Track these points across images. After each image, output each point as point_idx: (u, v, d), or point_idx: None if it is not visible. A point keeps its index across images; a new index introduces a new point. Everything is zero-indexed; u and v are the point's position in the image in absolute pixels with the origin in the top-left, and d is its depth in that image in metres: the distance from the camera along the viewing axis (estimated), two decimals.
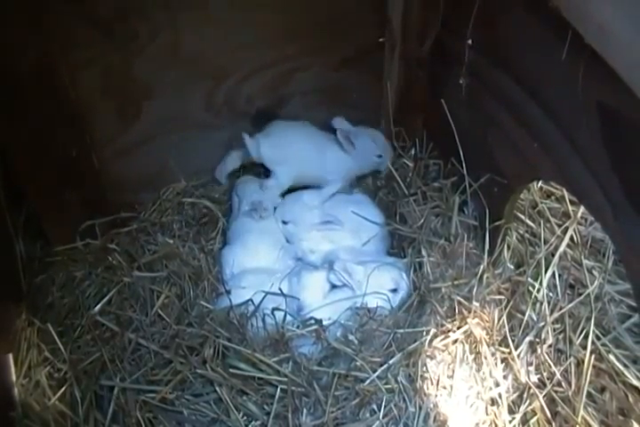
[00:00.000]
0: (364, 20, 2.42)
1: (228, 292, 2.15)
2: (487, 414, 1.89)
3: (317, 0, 2.31)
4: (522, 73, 1.89)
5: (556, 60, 1.59)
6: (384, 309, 2.12)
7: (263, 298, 2.09)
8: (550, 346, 1.96)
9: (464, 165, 2.25)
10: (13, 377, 1.95)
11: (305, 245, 2.41)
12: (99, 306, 2.18)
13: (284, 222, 2.45)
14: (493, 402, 1.91)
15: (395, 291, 2.18)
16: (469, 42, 2.09)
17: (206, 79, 2.36)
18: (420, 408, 1.88)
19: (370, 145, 2.55)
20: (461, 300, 2.05)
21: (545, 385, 1.90)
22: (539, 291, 2.04)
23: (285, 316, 2.07)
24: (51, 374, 2.01)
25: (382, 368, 1.93)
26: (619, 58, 1.27)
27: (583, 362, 1.90)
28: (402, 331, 2.02)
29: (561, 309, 2.01)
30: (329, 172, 2.53)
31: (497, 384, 1.93)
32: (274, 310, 2.06)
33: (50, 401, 1.93)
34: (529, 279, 2.06)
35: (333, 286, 2.22)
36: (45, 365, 2.03)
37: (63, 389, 1.96)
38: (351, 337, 2.00)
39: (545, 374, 1.93)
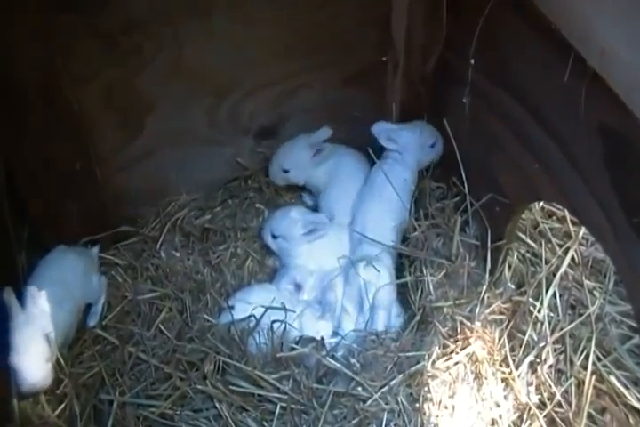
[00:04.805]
0: (366, 37, 2.43)
1: (231, 307, 2.15)
2: None
3: (320, 17, 2.31)
4: (524, 93, 1.90)
5: (558, 81, 1.60)
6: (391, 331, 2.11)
7: (264, 313, 2.08)
8: (551, 366, 1.96)
9: (466, 185, 2.26)
10: (13, 390, 1.94)
11: (300, 263, 2.39)
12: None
13: (274, 237, 2.44)
14: (494, 422, 1.91)
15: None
16: (472, 61, 2.10)
17: (209, 95, 2.37)
18: None
19: (420, 137, 2.46)
20: (463, 320, 2.05)
21: (545, 406, 1.90)
22: (539, 311, 2.04)
23: (285, 329, 2.06)
24: (50, 387, 2.00)
25: (384, 389, 1.92)
26: (620, 80, 1.28)
27: (584, 383, 1.90)
28: (406, 355, 2.01)
29: (562, 329, 2.01)
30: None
31: (497, 405, 1.92)
32: (274, 322, 2.06)
33: (49, 415, 1.92)
34: (530, 299, 2.07)
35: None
36: None
37: (63, 403, 1.96)
38: (353, 360, 1.99)
39: (545, 394, 1.93)
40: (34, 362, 1.82)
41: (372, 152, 2.46)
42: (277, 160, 2.56)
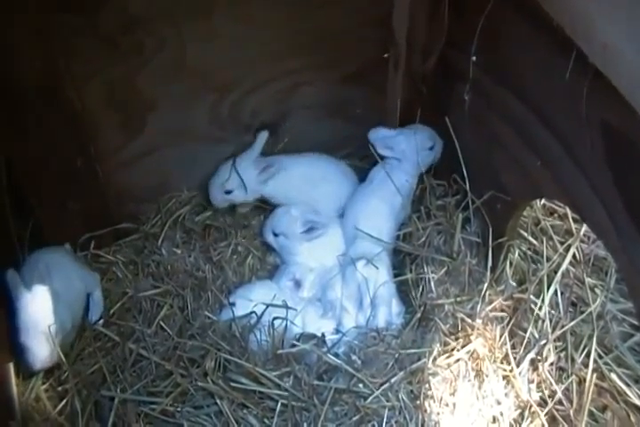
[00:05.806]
0: (367, 35, 2.42)
1: (232, 304, 2.15)
2: None
3: (321, 15, 2.31)
4: (526, 91, 1.90)
5: (559, 78, 1.60)
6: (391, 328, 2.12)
7: (264, 310, 2.09)
8: (552, 364, 1.96)
9: (467, 182, 2.26)
10: (14, 387, 1.94)
11: (300, 261, 2.39)
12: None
13: (275, 234, 2.45)
14: (495, 420, 1.91)
15: None
16: (474, 58, 2.10)
17: (211, 92, 2.37)
18: (422, 426, 1.88)
19: (416, 142, 2.44)
20: (464, 317, 2.05)
21: (546, 403, 1.90)
22: (541, 308, 2.04)
23: (287, 326, 2.06)
24: (52, 384, 2.01)
25: (384, 386, 1.92)
26: (622, 76, 1.28)
27: (585, 380, 1.90)
28: (407, 352, 2.02)
29: (563, 327, 2.01)
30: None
31: (498, 402, 1.92)
32: (274, 319, 2.06)
33: (50, 411, 1.93)
34: (531, 297, 2.07)
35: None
36: (47, 375, 2.02)
37: (64, 399, 1.96)
38: (354, 357, 2.00)
39: (546, 392, 1.93)
40: (41, 340, 1.88)
41: (374, 150, 2.46)
42: (219, 181, 2.50)
